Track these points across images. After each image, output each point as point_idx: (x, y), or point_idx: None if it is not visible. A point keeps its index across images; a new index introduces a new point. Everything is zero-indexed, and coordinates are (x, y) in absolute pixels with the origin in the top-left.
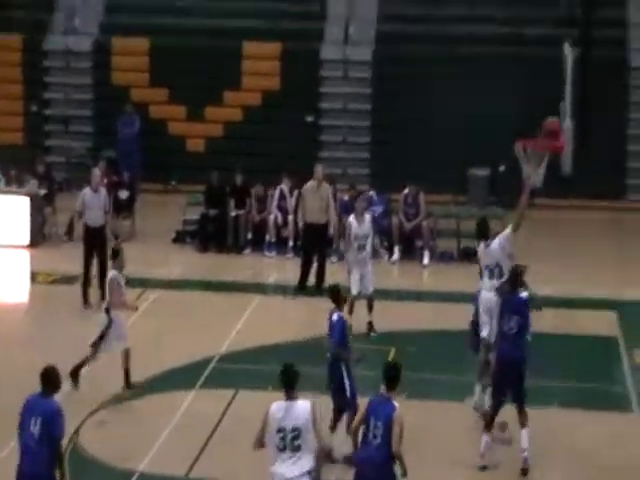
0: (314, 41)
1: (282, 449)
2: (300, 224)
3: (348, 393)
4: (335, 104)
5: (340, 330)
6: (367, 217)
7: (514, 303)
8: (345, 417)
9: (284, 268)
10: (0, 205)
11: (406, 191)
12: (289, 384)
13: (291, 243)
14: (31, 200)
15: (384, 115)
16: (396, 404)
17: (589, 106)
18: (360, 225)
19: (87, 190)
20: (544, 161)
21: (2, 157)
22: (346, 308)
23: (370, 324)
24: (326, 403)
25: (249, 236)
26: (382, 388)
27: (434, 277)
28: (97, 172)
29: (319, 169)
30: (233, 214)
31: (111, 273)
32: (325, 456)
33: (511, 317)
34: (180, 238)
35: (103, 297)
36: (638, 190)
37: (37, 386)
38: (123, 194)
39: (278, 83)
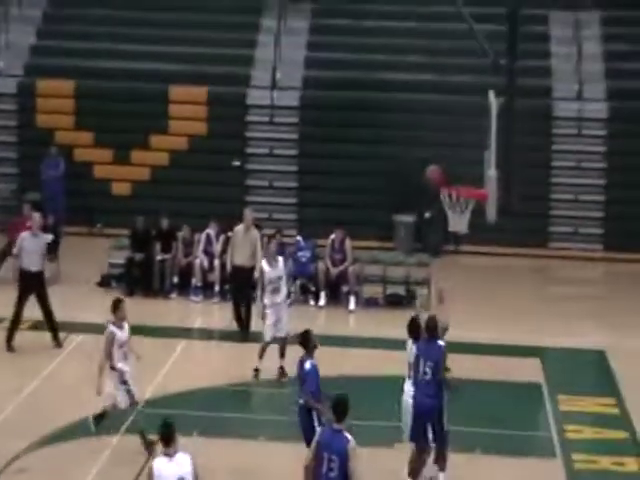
0: (241, 85)
1: None
2: (228, 267)
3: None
4: (262, 149)
5: (314, 378)
6: (280, 260)
7: (430, 349)
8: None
9: (210, 312)
10: None
11: (333, 236)
12: (167, 438)
13: (217, 287)
14: None
15: (311, 160)
16: (349, 436)
17: (513, 154)
18: (273, 268)
19: (26, 234)
20: (468, 208)
21: None
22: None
23: (282, 369)
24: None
25: (175, 280)
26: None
27: (360, 323)
28: (37, 216)
29: (248, 213)
30: (159, 258)
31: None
32: None
33: (426, 363)
34: (105, 282)
35: (55, 337)
36: (561, 238)
37: None
38: (47, 237)
39: (205, 127)
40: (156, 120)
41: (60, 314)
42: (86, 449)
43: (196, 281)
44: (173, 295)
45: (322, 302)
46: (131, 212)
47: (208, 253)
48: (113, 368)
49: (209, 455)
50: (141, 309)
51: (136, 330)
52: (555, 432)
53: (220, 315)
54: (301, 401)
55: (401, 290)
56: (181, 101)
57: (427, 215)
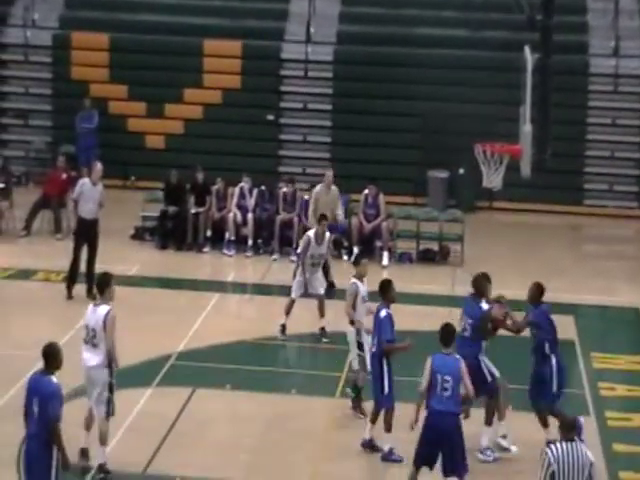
0: (275, 39)
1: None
2: (311, 226)
3: (386, 390)
4: (296, 103)
5: (390, 326)
6: (327, 238)
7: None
8: (383, 414)
9: (243, 266)
10: None
11: (366, 192)
12: (102, 288)
13: (250, 241)
14: None
15: (344, 115)
16: (457, 356)
17: (548, 111)
18: (319, 245)
19: (86, 181)
20: (503, 164)
21: None
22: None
23: (322, 329)
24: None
25: (208, 234)
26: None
27: (393, 278)
28: (99, 165)
29: (329, 173)
30: (193, 211)
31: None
32: None
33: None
34: (139, 235)
35: (89, 290)
36: (596, 195)
37: None
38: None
39: (239, 81)
40: (190, 74)
41: (94, 267)
42: (119, 402)
43: (229, 235)
44: (206, 249)
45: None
46: (164, 165)
47: (241, 207)
48: (352, 322)
49: (241, 408)
50: (174, 262)
51: (169, 283)
52: (588, 390)
53: (253, 269)
54: (374, 349)
55: (434, 246)
56: (215, 55)
57: (461, 171)
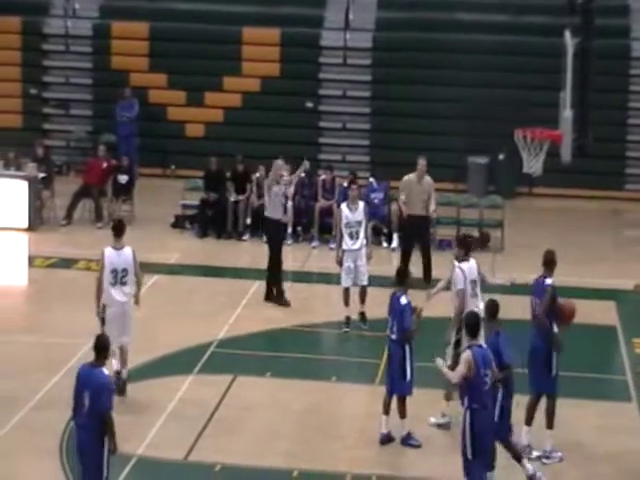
0: (314, 27)
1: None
2: (404, 214)
3: (408, 377)
4: (335, 90)
5: (411, 314)
6: (360, 204)
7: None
8: (397, 401)
9: (282, 254)
10: None
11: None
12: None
13: (290, 229)
14: (29, 183)
15: (384, 102)
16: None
17: (589, 95)
18: (352, 213)
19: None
20: (543, 149)
21: (0, 140)
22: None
23: (362, 314)
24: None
25: (248, 222)
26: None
27: (433, 264)
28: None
29: (422, 162)
30: (232, 199)
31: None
32: None
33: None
34: (179, 223)
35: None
36: (637, 180)
37: (37, 368)
38: (122, 178)
39: (277, 69)
40: (229, 62)
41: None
42: (160, 389)
43: None
44: (246, 237)
45: (394, 244)
46: (204, 154)
47: None
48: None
49: (281, 396)
50: (214, 250)
51: (209, 271)
52: (630, 375)
53: (293, 256)
54: (394, 336)
55: (474, 232)
56: (254, 43)
57: (501, 157)
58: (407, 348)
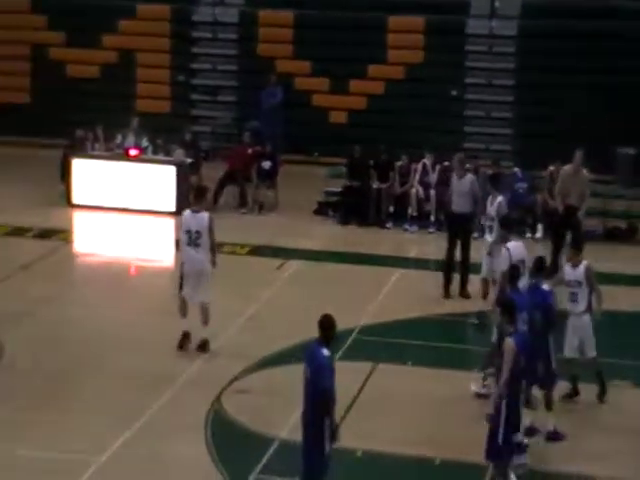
0: (459, 14)
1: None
2: (559, 207)
3: (554, 364)
4: (480, 78)
5: (554, 302)
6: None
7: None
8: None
9: (425, 242)
10: (147, 173)
11: (552, 168)
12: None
13: (433, 217)
14: (177, 169)
15: (528, 91)
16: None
17: None
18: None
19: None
20: None
21: (149, 126)
22: None
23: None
24: None
25: (391, 209)
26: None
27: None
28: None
29: (579, 154)
30: (375, 187)
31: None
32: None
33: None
34: (322, 210)
35: (463, 286)
36: None
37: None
38: (266, 164)
39: (422, 57)
40: (374, 49)
41: (278, 241)
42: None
43: (412, 211)
44: (388, 224)
45: (539, 234)
46: (347, 141)
47: (424, 183)
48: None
49: (422, 384)
50: (356, 238)
51: (351, 258)
52: None
53: (435, 245)
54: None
55: (622, 224)
56: (399, 30)
57: None
58: (550, 338)
